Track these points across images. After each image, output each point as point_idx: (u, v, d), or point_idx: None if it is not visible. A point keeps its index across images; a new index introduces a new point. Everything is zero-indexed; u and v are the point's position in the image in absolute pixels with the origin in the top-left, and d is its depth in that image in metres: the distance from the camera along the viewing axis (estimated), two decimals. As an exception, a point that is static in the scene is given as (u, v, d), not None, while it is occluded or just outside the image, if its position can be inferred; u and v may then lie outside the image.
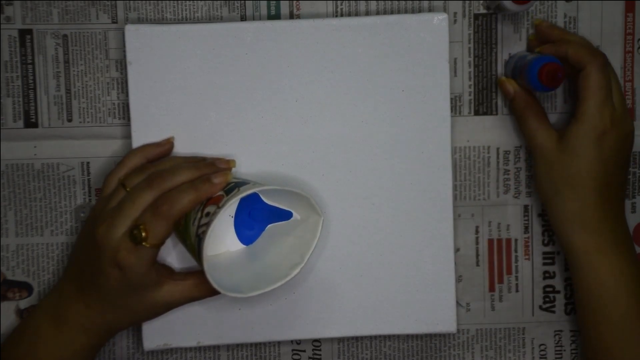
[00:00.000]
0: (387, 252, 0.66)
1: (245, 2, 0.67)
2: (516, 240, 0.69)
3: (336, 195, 0.66)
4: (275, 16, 0.67)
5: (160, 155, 0.64)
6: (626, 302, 0.62)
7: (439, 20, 0.65)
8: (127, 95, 0.66)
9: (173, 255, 0.65)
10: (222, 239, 0.62)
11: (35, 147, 0.67)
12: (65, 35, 0.67)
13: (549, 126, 0.65)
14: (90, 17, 0.67)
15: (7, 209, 0.67)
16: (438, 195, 0.66)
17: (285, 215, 0.61)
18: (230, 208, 0.61)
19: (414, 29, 0.65)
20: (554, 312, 0.70)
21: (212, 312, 0.66)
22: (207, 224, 0.55)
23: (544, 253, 0.69)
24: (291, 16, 0.67)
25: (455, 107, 0.68)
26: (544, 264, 0.69)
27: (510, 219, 0.69)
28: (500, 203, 0.69)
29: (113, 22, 0.67)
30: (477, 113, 0.68)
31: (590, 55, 0.62)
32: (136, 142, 0.65)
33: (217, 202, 0.56)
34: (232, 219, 0.62)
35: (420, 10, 0.67)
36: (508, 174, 0.69)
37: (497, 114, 0.68)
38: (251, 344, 0.69)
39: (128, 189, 0.59)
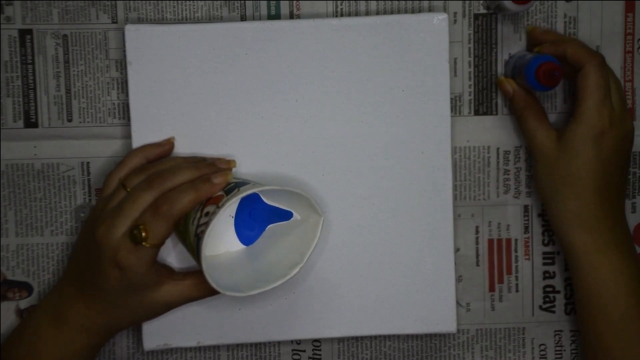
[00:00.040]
0: (387, 252, 0.66)
1: (245, 2, 0.67)
2: (516, 240, 0.69)
3: (336, 195, 0.66)
4: (275, 16, 0.67)
5: (161, 155, 0.64)
6: (626, 302, 0.62)
7: (439, 20, 0.65)
8: (127, 95, 0.66)
9: (173, 255, 0.65)
10: (223, 240, 0.62)
11: (35, 147, 0.67)
12: (65, 35, 0.67)
13: (549, 126, 0.65)
14: (90, 17, 0.67)
15: (7, 209, 0.67)
16: (438, 195, 0.66)
17: (286, 215, 0.61)
18: (230, 208, 0.61)
19: (414, 29, 0.65)
20: (554, 312, 0.70)
21: (212, 312, 0.66)
22: (207, 224, 0.55)
23: (544, 253, 0.69)
24: (291, 16, 0.67)
25: (455, 107, 0.68)
26: (544, 264, 0.69)
27: (510, 219, 0.69)
28: (500, 203, 0.69)
29: (113, 22, 0.67)
30: (477, 113, 0.68)
31: (589, 55, 0.62)
32: (136, 142, 0.65)
33: (216, 202, 0.56)
34: (233, 219, 0.62)
35: (420, 10, 0.67)
36: (508, 174, 0.69)
37: (497, 114, 0.68)
38: (251, 344, 0.69)
39: (128, 189, 0.59)
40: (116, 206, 0.58)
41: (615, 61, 0.68)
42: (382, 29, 0.65)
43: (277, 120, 0.65)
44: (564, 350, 0.70)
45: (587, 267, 0.63)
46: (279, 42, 0.65)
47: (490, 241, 0.69)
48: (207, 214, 0.56)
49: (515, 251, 0.69)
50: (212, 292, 0.59)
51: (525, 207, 0.69)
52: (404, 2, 0.67)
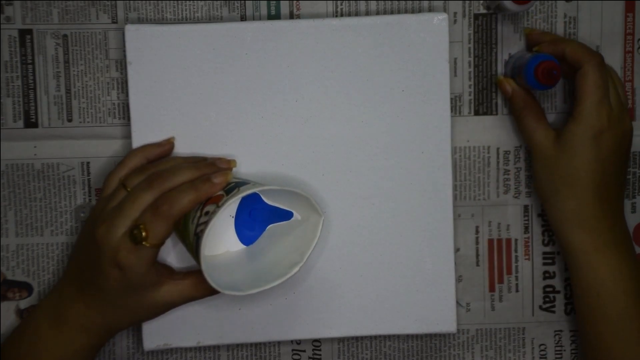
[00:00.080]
0: (387, 252, 0.66)
1: (245, 2, 0.67)
2: (516, 240, 0.69)
3: (336, 195, 0.66)
4: (275, 16, 0.67)
5: (161, 155, 0.64)
6: (624, 301, 0.62)
7: (439, 20, 0.65)
8: (127, 95, 0.66)
9: (172, 255, 0.65)
10: (223, 240, 0.62)
11: (35, 147, 0.67)
12: (65, 35, 0.67)
13: (547, 125, 0.65)
14: (90, 17, 0.67)
15: (7, 209, 0.67)
16: (438, 195, 0.66)
17: (286, 215, 0.61)
18: (230, 207, 0.61)
19: (414, 29, 0.65)
20: (554, 312, 0.70)
21: (212, 312, 0.66)
22: (206, 223, 0.55)
23: (544, 253, 0.69)
24: (291, 16, 0.67)
25: (455, 107, 0.68)
26: (544, 264, 0.69)
27: (510, 219, 0.69)
28: (500, 203, 0.69)
29: (113, 22, 0.67)
30: (477, 113, 0.68)
31: (588, 54, 0.62)
32: (136, 142, 0.65)
33: (216, 202, 0.56)
34: (233, 219, 0.62)
35: (420, 10, 0.67)
36: (508, 174, 0.69)
37: (497, 114, 0.68)
38: (251, 344, 0.69)
39: (129, 189, 0.59)
40: (116, 206, 0.58)
41: (615, 61, 0.68)
42: (382, 29, 0.65)
43: (277, 120, 0.65)
44: (564, 350, 0.70)
45: (585, 267, 0.63)
46: (279, 42, 0.65)
47: (490, 241, 0.69)
48: (207, 213, 0.56)
49: (515, 251, 0.69)
50: (212, 291, 0.59)
51: (525, 207, 0.69)
52: (404, 2, 0.67)
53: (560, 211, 0.63)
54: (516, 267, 0.69)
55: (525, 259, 0.69)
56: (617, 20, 0.68)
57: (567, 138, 0.62)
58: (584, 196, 0.62)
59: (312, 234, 0.60)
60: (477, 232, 0.69)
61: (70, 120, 0.67)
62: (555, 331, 0.70)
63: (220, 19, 0.67)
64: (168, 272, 0.61)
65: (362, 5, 0.67)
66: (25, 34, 0.66)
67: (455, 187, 0.68)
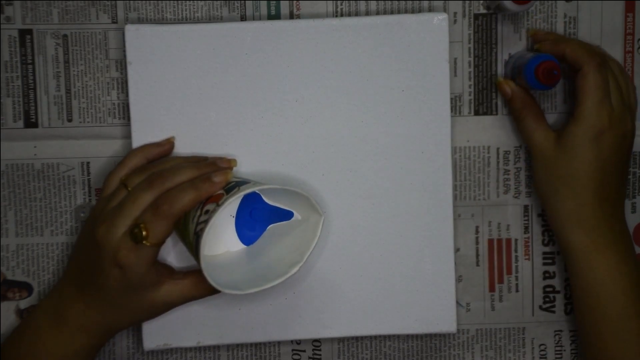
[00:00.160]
0: (387, 252, 0.66)
1: (245, 2, 0.67)
2: (516, 240, 0.69)
3: (336, 195, 0.66)
4: (275, 16, 0.67)
5: (161, 155, 0.64)
6: (624, 301, 0.62)
7: (439, 20, 0.65)
8: (127, 95, 0.66)
9: (172, 254, 0.65)
10: (223, 239, 0.62)
11: (35, 147, 0.67)
12: (65, 35, 0.67)
13: (547, 126, 0.65)
14: (90, 17, 0.67)
15: (7, 209, 0.67)
16: (438, 195, 0.66)
17: (286, 215, 0.62)
18: (230, 207, 0.61)
19: (414, 29, 0.65)
20: (553, 312, 0.70)
21: (212, 312, 0.66)
22: (206, 222, 0.55)
23: (544, 253, 0.69)
24: (291, 16, 0.67)
25: (455, 107, 0.68)
26: (544, 264, 0.69)
27: (510, 219, 0.69)
28: (500, 203, 0.69)
29: (113, 22, 0.67)
30: (477, 113, 0.68)
31: (588, 55, 0.62)
32: (136, 142, 0.65)
33: (216, 201, 0.56)
34: (233, 219, 0.62)
35: (420, 10, 0.67)
36: (508, 174, 0.69)
37: (497, 114, 0.68)
38: (251, 344, 0.69)
39: (129, 189, 0.59)
40: (116, 206, 0.58)
41: (615, 61, 0.68)
42: (382, 29, 0.65)
43: (277, 120, 0.65)
44: (564, 350, 0.70)
45: (585, 267, 0.63)
46: (279, 42, 0.65)
47: (490, 241, 0.69)
48: (207, 212, 0.56)
49: (515, 251, 0.69)
50: (212, 291, 0.59)
51: (525, 207, 0.69)
52: (404, 2, 0.67)
53: (560, 211, 0.63)
54: (516, 267, 0.69)
55: (525, 259, 0.69)
56: (617, 20, 0.68)
57: (568, 138, 0.62)
58: (584, 196, 0.62)
59: (312, 233, 0.60)
60: (477, 232, 0.69)
61: (70, 120, 0.67)
62: (555, 331, 0.70)
63: (220, 19, 0.67)
64: (168, 271, 0.61)
65: (362, 5, 0.67)
66: (25, 34, 0.66)
67: (455, 187, 0.68)
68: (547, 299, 0.69)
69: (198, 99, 0.65)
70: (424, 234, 0.66)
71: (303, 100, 0.65)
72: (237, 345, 0.69)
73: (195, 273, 0.61)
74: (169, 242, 0.63)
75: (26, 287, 0.68)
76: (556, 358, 0.70)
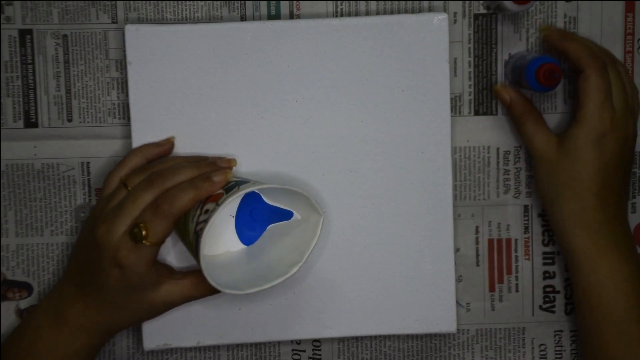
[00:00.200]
0: (387, 252, 0.66)
1: (245, 2, 0.67)
2: (516, 240, 0.69)
3: (336, 195, 0.66)
4: (275, 16, 0.67)
5: (161, 154, 0.64)
6: (625, 303, 0.62)
7: (439, 20, 0.65)
8: (127, 95, 0.66)
9: (172, 254, 0.65)
10: (223, 239, 0.62)
11: (35, 147, 0.67)
12: (65, 35, 0.67)
13: (548, 130, 0.65)
14: (90, 17, 0.67)
15: (7, 209, 0.67)
16: (438, 195, 0.66)
17: (286, 215, 0.61)
18: (229, 206, 0.61)
19: (414, 29, 0.65)
20: (554, 312, 0.70)
21: (212, 312, 0.66)
22: (205, 221, 0.55)
23: (544, 253, 0.69)
24: (291, 16, 0.67)
25: (455, 107, 0.68)
26: (544, 264, 0.69)
27: (510, 219, 0.69)
28: (500, 203, 0.69)
29: (113, 22, 0.67)
30: (477, 113, 0.68)
31: (590, 58, 0.62)
32: (136, 142, 0.65)
33: (216, 200, 0.56)
34: (233, 219, 0.62)
35: (420, 10, 0.67)
36: (508, 174, 0.69)
37: (497, 114, 0.68)
38: (251, 344, 0.69)
39: (129, 189, 0.59)
40: (116, 205, 0.58)
41: (615, 61, 0.68)
42: (382, 29, 0.65)
43: (277, 120, 0.65)
44: (564, 351, 0.70)
45: (587, 269, 0.63)
46: (279, 42, 0.65)
47: (490, 241, 0.69)
48: (206, 211, 0.56)
49: (515, 251, 0.69)
50: (212, 291, 0.59)
51: (525, 207, 0.69)
52: (404, 2, 0.67)
53: (562, 214, 0.63)
54: (516, 267, 0.69)
55: (525, 259, 0.69)
56: (617, 20, 0.68)
57: (570, 141, 0.62)
58: (587, 199, 0.62)
59: (312, 233, 0.60)
60: (477, 232, 0.69)
61: (70, 120, 0.67)
62: (555, 331, 0.70)
63: (220, 19, 0.67)
64: (168, 271, 0.61)
65: (362, 5, 0.67)
66: (25, 34, 0.66)
67: (455, 187, 0.68)
68: (547, 299, 0.69)
69: (198, 99, 0.65)
70: (424, 234, 0.66)
71: (303, 100, 0.65)
72: (237, 345, 0.69)
73: (195, 273, 0.61)
74: (169, 241, 0.63)
75: (26, 287, 0.68)
76: (556, 358, 0.70)
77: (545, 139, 0.64)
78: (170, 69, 0.64)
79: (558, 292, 0.70)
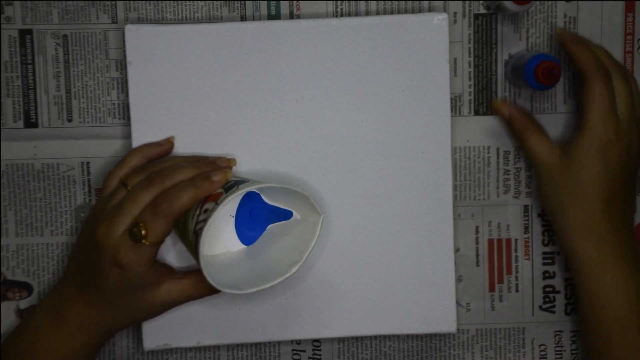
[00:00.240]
0: (387, 252, 0.66)
1: (245, 2, 0.67)
2: (516, 240, 0.69)
3: (336, 195, 0.66)
4: (275, 16, 0.67)
5: (160, 154, 0.64)
6: (631, 313, 0.62)
7: (439, 20, 0.65)
8: (127, 95, 0.66)
9: (172, 253, 0.65)
10: (223, 240, 0.62)
11: (35, 147, 0.67)
12: (65, 35, 0.67)
13: (549, 141, 0.65)
14: (90, 17, 0.67)
15: (7, 209, 0.67)
16: (438, 195, 0.66)
17: (286, 214, 0.61)
18: (229, 205, 0.61)
19: (414, 29, 0.65)
20: (554, 312, 0.70)
21: (212, 312, 0.66)
22: (205, 220, 0.55)
23: (544, 253, 0.69)
24: (291, 16, 0.67)
25: (455, 107, 0.68)
26: (544, 264, 0.69)
27: (510, 219, 0.69)
28: (500, 203, 0.69)
29: (113, 22, 0.67)
30: (477, 113, 0.68)
31: (593, 66, 0.62)
32: (136, 142, 0.65)
33: (215, 199, 0.56)
34: (233, 219, 0.62)
35: (420, 10, 0.67)
36: (508, 174, 0.69)
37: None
38: (251, 344, 0.69)
39: (129, 188, 0.59)
40: (116, 205, 0.58)
41: (615, 61, 0.68)
42: (382, 29, 0.65)
43: (277, 120, 0.65)
44: (564, 351, 0.70)
45: (592, 279, 0.62)
46: (279, 42, 0.65)
47: (490, 241, 0.69)
48: (206, 210, 0.56)
49: (515, 251, 0.69)
50: (211, 290, 0.59)
51: (525, 207, 0.69)
52: (404, 2, 0.67)
53: (567, 223, 0.63)
54: (516, 267, 0.69)
55: (525, 259, 0.69)
56: (617, 20, 0.68)
57: (573, 151, 0.62)
58: (592, 208, 0.62)
59: (311, 233, 0.60)
60: (477, 232, 0.69)
61: (70, 120, 0.67)
62: (555, 331, 0.70)
63: (220, 19, 0.67)
64: (168, 271, 0.61)
65: (362, 5, 0.67)
66: (25, 34, 0.66)
67: (455, 187, 0.68)
68: (547, 299, 0.69)
69: (198, 99, 0.65)
70: (424, 234, 0.66)
71: (303, 100, 0.65)
72: (237, 345, 0.69)
73: (195, 273, 0.61)
74: (169, 241, 0.63)
75: (26, 287, 0.68)
76: (556, 358, 0.70)
77: (547, 150, 0.64)
78: (170, 69, 0.64)
79: (558, 292, 0.69)
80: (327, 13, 0.67)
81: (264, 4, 0.67)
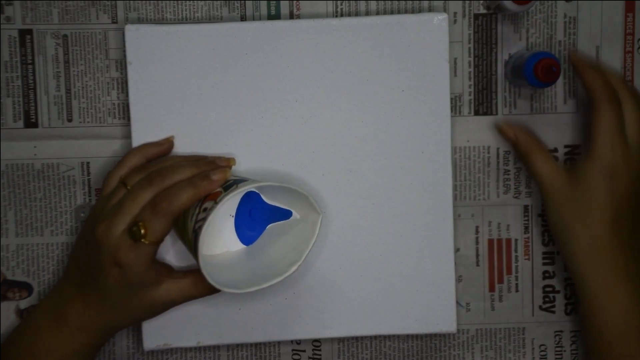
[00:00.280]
0: (387, 252, 0.66)
1: (245, 2, 0.67)
2: (516, 240, 0.69)
3: (336, 195, 0.66)
4: (275, 16, 0.67)
5: (160, 154, 0.64)
6: (636, 338, 0.61)
7: (439, 20, 0.65)
8: (127, 95, 0.66)
9: (171, 253, 0.65)
10: (223, 240, 0.62)
11: (35, 147, 0.67)
12: (65, 35, 0.67)
13: (555, 164, 0.64)
14: (90, 17, 0.67)
15: (7, 209, 0.67)
16: (438, 195, 0.66)
17: (285, 214, 0.61)
18: (228, 205, 0.61)
19: (414, 29, 0.65)
20: (553, 312, 0.70)
21: (212, 312, 0.66)
22: (204, 219, 0.55)
23: (544, 253, 0.69)
24: (291, 16, 0.67)
25: (455, 107, 0.68)
26: (544, 264, 0.69)
27: (510, 219, 0.69)
28: (500, 203, 0.69)
29: (113, 22, 0.67)
30: (477, 113, 0.68)
31: (601, 90, 0.62)
32: (136, 142, 0.65)
33: (215, 198, 0.56)
34: (233, 219, 0.62)
35: (420, 10, 0.67)
36: (508, 174, 0.69)
37: (497, 114, 0.68)
38: (251, 344, 0.69)
39: (128, 188, 0.59)
40: (116, 204, 0.59)
41: (615, 61, 0.68)
42: (382, 29, 0.65)
43: (277, 120, 0.65)
44: (564, 351, 0.70)
45: (597, 302, 0.62)
46: (279, 42, 0.65)
47: (490, 241, 0.69)
48: (205, 209, 0.56)
49: (515, 251, 0.69)
50: (211, 290, 0.59)
51: (525, 207, 0.69)
52: (404, 2, 0.67)
53: (572, 243, 0.63)
54: (516, 267, 0.69)
55: (525, 259, 0.69)
56: (617, 20, 0.68)
57: (580, 175, 0.62)
58: (598, 232, 0.62)
59: (310, 232, 0.60)
60: (477, 232, 0.69)
61: (70, 120, 0.67)
62: (555, 332, 0.70)
63: (220, 19, 0.67)
64: (167, 270, 0.61)
65: (362, 5, 0.67)
66: (25, 34, 0.66)
67: (455, 187, 0.68)
68: (547, 299, 0.69)
69: (198, 99, 0.65)
70: (424, 234, 0.66)
71: (303, 100, 0.65)
72: (237, 345, 0.69)
73: (195, 272, 0.61)
74: (168, 240, 0.63)
75: (26, 287, 0.68)
76: (556, 358, 0.70)
77: (554, 173, 0.63)
78: (170, 69, 0.64)
79: (558, 292, 0.69)
80: (327, 13, 0.67)
81: (264, 4, 0.67)
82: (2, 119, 0.67)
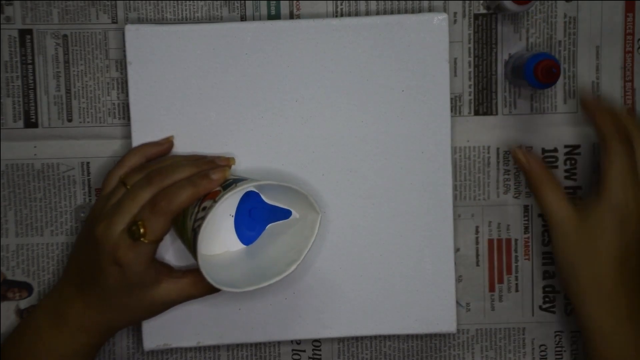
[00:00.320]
0: (387, 252, 0.66)
1: (245, 2, 0.67)
2: (516, 240, 0.69)
3: (336, 195, 0.66)
4: (275, 16, 0.67)
5: (160, 154, 0.64)
6: None
7: (439, 20, 0.65)
8: (127, 95, 0.66)
9: (171, 252, 0.65)
10: (223, 240, 0.62)
11: (35, 147, 0.67)
12: (65, 35, 0.67)
13: (566, 200, 0.63)
14: (90, 17, 0.67)
15: (7, 209, 0.67)
16: (438, 195, 0.66)
17: (285, 214, 0.62)
18: (228, 204, 0.61)
19: (414, 29, 0.65)
20: (554, 312, 0.70)
21: (212, 312, 0.66)
22: (203, 218, 0.55)
23: (544, 253, 0.69)
24: (291, 16, 0.67)
25: (455, 107, 0.68)
26: (544, 264, 0.69)
27: (510, 219, 0.69)
28: (500, 203, 0.69)
29: (113, 22, 0.67)
30: (477, 113, 0.68)
31: (612, 130, 0.61)
32: (136, 142, 0.65)
33: (214, 197, 0.56)
34: (233, 219, 0.62)
35: (420, 10, 0.67)
36: (508, 174, 0.69)
37: (497, 114, 0.68)
38: (251, 344, 0.69)
39: (128, 187, 0.59)
40: (115, 204, 0.59)
41: (615, 61, 0.68)
42: (382, 29, 0.65)
43: (277, 120, 0.65)
44: (565, 351, 0.70)
45: (602, 342, 0.62)
46: (279, 42, 0.65)
47: (490, 241, 0.69)
48: (204, 208, 0.56)
49: (515, 251, 0.69)
50: (210, 289, 0.59)
51: (525, 207, 0.69)
52: (404, 2, 0.67)
53: (577, 280, 0.62)
54: (516, 267, 0.69)
55: (525, 259, 0.69)
56: (617, 20, 0.68)
57: (590, 215, 0.61)
58: (605, 273, 0.61)
59: (310, 231, 0.60)
60: (477, 232, 0.69)
61: (70, 120, 0.67)
62: (555, 332, 0.70)
63: (220, 19, 0.67)
64: (167, 270, 0.61)
65: (362, 5, 0.67)
66: (25, 34, 0.66)
67: (455, 187, 0.68)
68: (547, 299, 0.69)
69: (198, 99, 0.65)
70: (424, 234, 0.66)
71: (303, 100, 0.65)
72: (237, 345, 0.69)
73: (194, 271, 0.60)
74: (168, 240, 0.63)
75: (26, 287, 0.68)
76: (557, 359, 0.70)
77: (564, 211, 0.62)
78: (170, 69, 0.64)
79: (558, 292, 0.69)
80: (327, 13, 0.67)
81: (264, 4, 0.67)
82: (2, 119, 0.67)
